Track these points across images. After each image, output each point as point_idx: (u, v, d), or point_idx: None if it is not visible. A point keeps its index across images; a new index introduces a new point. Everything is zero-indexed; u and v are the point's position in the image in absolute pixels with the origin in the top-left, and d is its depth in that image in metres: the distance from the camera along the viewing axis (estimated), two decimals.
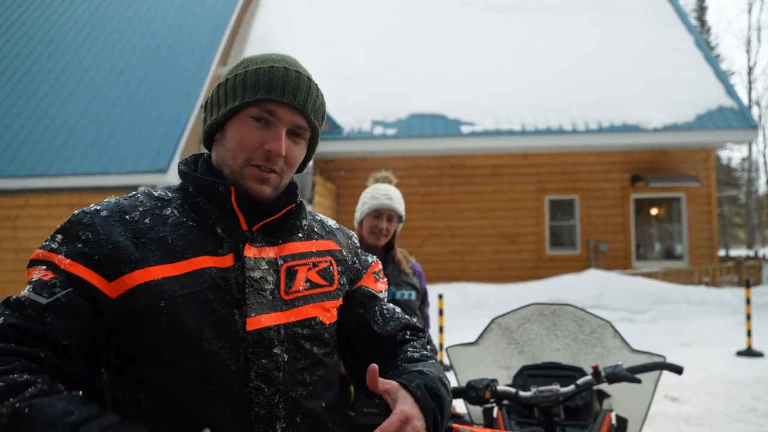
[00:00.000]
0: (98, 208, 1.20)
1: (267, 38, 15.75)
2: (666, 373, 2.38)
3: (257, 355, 1.16)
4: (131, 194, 1.26)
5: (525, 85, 14.40)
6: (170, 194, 1.26)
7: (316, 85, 1.27)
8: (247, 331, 1.15)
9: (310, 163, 1.37)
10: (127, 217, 1.18)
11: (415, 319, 2.92)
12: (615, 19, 16.10)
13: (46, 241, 1.18)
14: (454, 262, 14.37)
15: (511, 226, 14.55)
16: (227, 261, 1.19)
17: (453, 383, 3.11)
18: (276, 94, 1.21)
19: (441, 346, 7.58)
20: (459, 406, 3.67)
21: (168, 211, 1.21)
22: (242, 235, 1.22)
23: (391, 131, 13.76)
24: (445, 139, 13.73)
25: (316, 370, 1.25)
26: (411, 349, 1.37)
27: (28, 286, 1.13)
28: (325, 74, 14.25)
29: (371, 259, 1.48)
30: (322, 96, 1.29)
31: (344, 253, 1.38)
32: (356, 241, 1.46)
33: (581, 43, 15.40)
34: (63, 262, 1.13)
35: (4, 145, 12.02)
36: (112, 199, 1.24)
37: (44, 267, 1.14)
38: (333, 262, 1.34)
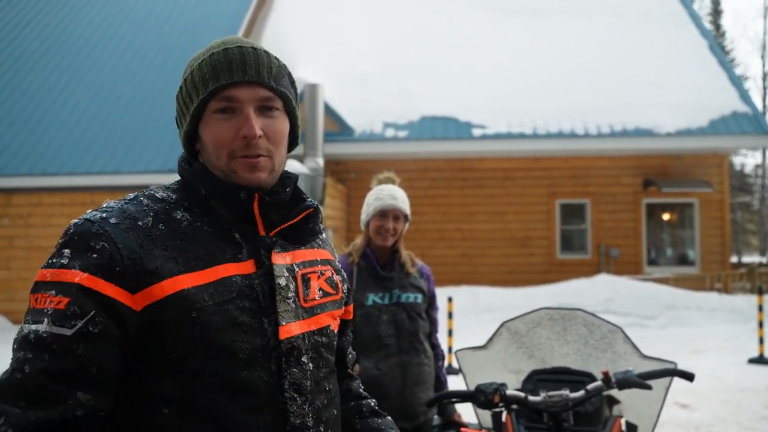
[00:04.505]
0: (103, 215, 1.10)
1: (279, 39, 15.80)
2: (676, 380, 2.37)
3: (289, 364, 1.14)
4: (130, 197, 1.17)
5: (537, 88, 14.35)
6: (174, 195, 1.19)
7: (265, 51, 1.19)
8: (280, 340, 1.14)
9: (301, 145, 1.24)
10: (140, 223, 1.11)
11: (421, 322, 2.92)
12: (628, 22, 16.02)
13: (51, 259, 1.07)
14: (464, 265, 14.34)
15: (522, 229, 14.50)
16: (249, 267, 1.16)
17: (462, 387, 3.10)
18: (225, 77, 1.14)
19: (450, 349, 7.56)
20: (468, 410, 3.65)
21: (179, 215, 1.15)
22: (261, 241, 1.19)
23: (402, 133, 13.74)
24: (456, 142, 13.69)
25: (332, 378, 1.26)
26: (368, 402, 1.45)
27: (45, 320, 1.02)
28: (336, 76, 14.26)
29: None
30: (277, 60, 1.20)
31: (337, 264, 1.39)
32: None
33: (593, 47, 15.34)
34: (77, 276, 1.03)
35: (18, 143, 12.12)
36: (112, 203, 1.15)
37: (53, 292, 1.04)
38: (333, 271, 1.34)
